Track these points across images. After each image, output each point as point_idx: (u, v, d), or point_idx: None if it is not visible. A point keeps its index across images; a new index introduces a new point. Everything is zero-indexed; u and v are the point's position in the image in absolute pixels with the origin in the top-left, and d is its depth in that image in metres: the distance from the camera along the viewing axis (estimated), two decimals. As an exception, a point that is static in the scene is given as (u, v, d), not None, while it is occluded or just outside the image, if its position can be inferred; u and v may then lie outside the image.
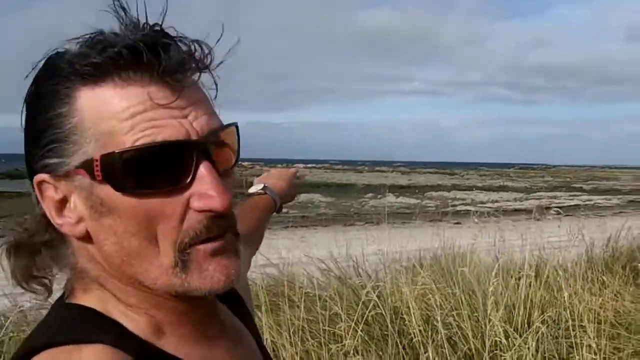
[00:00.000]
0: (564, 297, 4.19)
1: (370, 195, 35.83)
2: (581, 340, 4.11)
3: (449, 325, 4.22)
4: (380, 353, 3.94)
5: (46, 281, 0.85)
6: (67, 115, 0.76)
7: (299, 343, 3.70)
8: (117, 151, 0.73)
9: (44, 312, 0.86)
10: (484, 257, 6.52)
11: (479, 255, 6.59)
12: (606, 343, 4.20)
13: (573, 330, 4.20)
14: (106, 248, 0.78)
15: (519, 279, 4.98)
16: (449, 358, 3.84)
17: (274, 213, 1.56)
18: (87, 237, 0.79)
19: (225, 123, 0.82)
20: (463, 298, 4.49)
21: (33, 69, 0.80)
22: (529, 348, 3.76)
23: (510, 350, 3.85)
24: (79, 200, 0.78)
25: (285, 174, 1.66)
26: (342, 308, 4.17)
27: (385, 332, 4.06)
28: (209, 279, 0.78)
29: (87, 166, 0.75)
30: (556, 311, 4.35)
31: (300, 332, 3.91)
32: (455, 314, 4.26)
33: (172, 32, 0.78)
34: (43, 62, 0.80)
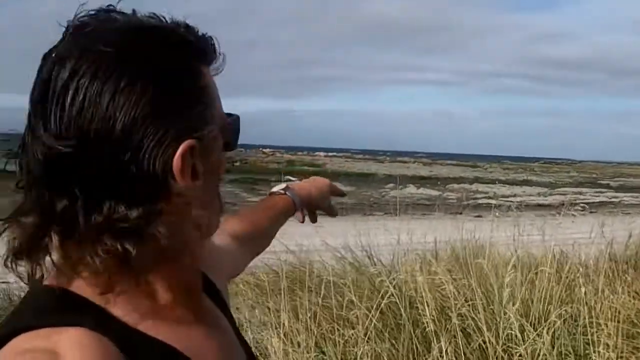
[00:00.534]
0: (583, 293, 4.13)
1: (390, 185, 35.74)
2: (598, 337, 4.05)
3: (464, 317, 4.19)
4: (394, 341, 3.92)
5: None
6: (205, 87, 0.86)
7: (314, 328, 3.70)
8: (233, 115, 0.94)
9: None
10: (502, 251, 6.46)
11: (497, 249, 6.53)
12: (624, 342, 4.14)
13: (591, 327, 4.14)
14: (204, 203, 0.86)
15: (537, 273, 4.92)
16: (462, 349, 3.81)
17: (292, 216, 1.56)
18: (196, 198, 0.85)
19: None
20: (479, 290, 4.46)
21: (135, 37, 0.81)
22: (543, 342, 3.72)
23: (525, 343, 3.81)
24: (200, 163, 0.83)
25: (322, 184, 1.63)
26: (356, 295, 4.16)
27: (399, 321, 4.05)
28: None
29: (223, 129, 0.89)
30: (574, 307, 4.29)
31: (315, 317, 3.91)
32: (470, 305, 4.22)
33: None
34: (159, 34, 0.83)
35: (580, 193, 38.05)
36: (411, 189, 39.27)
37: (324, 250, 5.76)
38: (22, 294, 0.90)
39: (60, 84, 0.76)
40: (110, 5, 0.83)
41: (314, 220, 1.61)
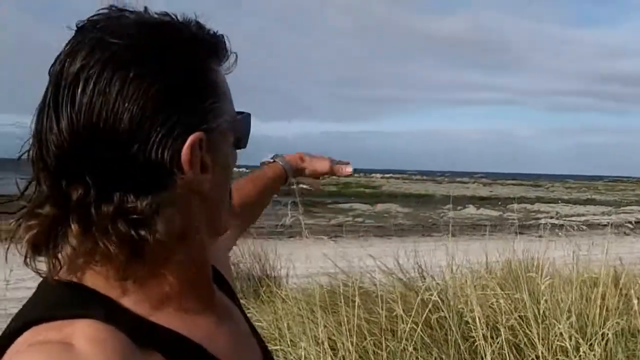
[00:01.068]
0: (636, 306, 4.00)
1: (449, 206, 35.37)
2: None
3: (516, 331, 4.10)
4: (443, 357, 3.87)
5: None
6: (216, 82, 0.88)
7: (357, 342, 3.68)
8: (244, 113, 0.95)
9: None
10: (560, 268, 6.30)
11: (556, 267, 6.38)
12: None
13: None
14: (213, 198, 0.88)
15: (594, 288, 4.79)
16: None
17: (285, 183, 1.57)
18: (204, 192, 0.87)
19: None
20: (533, 305, 4.36)
21: (147, 33, 0.84)
22: (595, 355, 3.61)
23: (577, 357, 3.70)
24: (209, 157, 0.85)
25: (317, 155, 1.62)
26: (404, 310, 4.12)
27: (448, 335, 3.99)
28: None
29: (233, 125, 0.91)
30: (629, 320, 4.15)
31: (360, 330, 3.89)
32: (522, 319, 4.13)
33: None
34: (172, 31, 0.85)
35: (648, 211, 36.76)
36: (470, 210, 38.72)
37: (375, 269, 5.73)
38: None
39: (72, 76, 0.79)
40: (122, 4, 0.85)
41: (316, 186, 1.64)
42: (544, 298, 4.45)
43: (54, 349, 0.71)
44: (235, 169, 0.98)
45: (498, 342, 3.74)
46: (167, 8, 0.88)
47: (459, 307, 4.20)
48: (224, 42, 0.91)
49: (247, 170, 1.56)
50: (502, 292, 4.35)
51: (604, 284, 4.74)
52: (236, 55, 0.93)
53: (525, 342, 4.06)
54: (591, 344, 3.76)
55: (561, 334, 3.85)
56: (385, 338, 3.79)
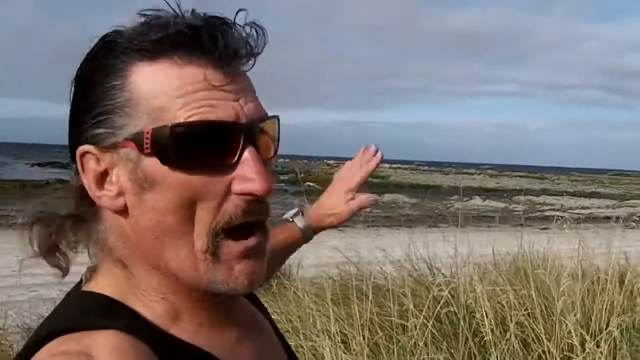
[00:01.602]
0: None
1: (455, 197, 35.32)
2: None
3: (522, 326, 4.18)
4: (452, 351, 3.94)
5: (69, 258, 0.87)
6: (120, 88, 0.78)
7: (368, 335, 3.76)
8: (169, 125, 0.75)
9: None
10: (566, 263, 6.36)
11: (560, 261, 6.44)
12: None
13: (654, 339, 4.07)
14: (142, 223, 0.79)
15: (600, 284, 4.85)
16: (520, 359, 3.81)
17: (304, 243, 1.45)
18: (123, 212, 0.80)
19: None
20: (540, 300, 4.43)
21: (90, 49, 0.82)
22: (601, 352, 3.68)
23: (583, 353, 3.78)
24: (122, 174, 0.79)
25: (340, 187, 1.46)
26: (414, 304, 4.20)
27: (457, 330, 4.06)
28: (233, 279, 0.79)
29: (136, 139, 0.77)
30: (635, 318, 4.22)
31: (371, 324, 3.97)
32: (529, 315, 4.21)
33: (227, 17, 0.80)
34: (100, 39, 0.81)
35: (653, 205, 36.70)
36: (477, 201, 38.68)
37: (384, 262, 5.80)
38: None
39: None
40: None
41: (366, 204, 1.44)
42: (549, 292, 4.52)
43: (74, 359, 0.71)
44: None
45: (507, 338, 3.81)
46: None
47: (468, 302, 4.27)
48: (153, 32, 0.78)
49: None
50: (511, 288, 4.42)
51: (609, 280, 4.80)
52: (205, 42, 0.78)
53: (532, 338, 4.13)
54: (597, 341, 3.82)
55: (569, 331, 3.91)
56: (396, 332, 3.86)
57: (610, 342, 3.79)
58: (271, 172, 0.82)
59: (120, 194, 0.79)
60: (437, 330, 4.08)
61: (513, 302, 4.13)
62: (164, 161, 0.76)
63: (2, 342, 5.06)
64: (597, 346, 3.78)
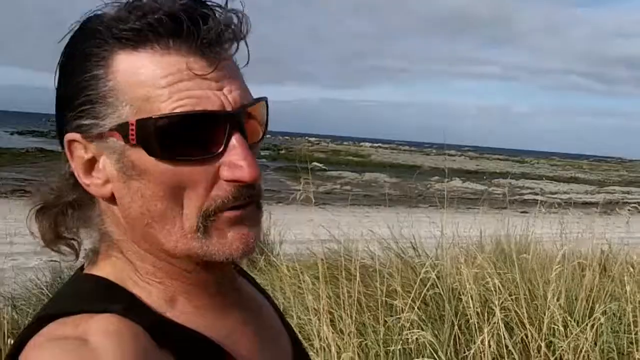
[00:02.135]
0: (627, 291, 4.11)
1: (436, 178, 35.48)
2: (643, 336, 4.03)
3: (507, 310, 4.21)
4: (436, 332, 3.97)
5: (74, 243, 0.87)
6: (103, 78, 0.78)
7: (356, 315, 3.77)
8: (154, 117, 0.76)
9: None
10: (548, 247, 6.41)
11: (542, 245, 6.49)
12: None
13: (635, 326, 4.12)
14: (131, 211, 0.80)
15: (583, 269, 4.90)
16: (504, 342, 3.84)
17: None
18: (113, 199, 0.82)
19: (255, 97, 0.84)
20: (523, 284, 4.46)
21: (69, 31, 0.82)
22: (586, 338, 3.73)
23: (568, 339, 3.82)
24: (109, 162, 0.80)
25: None
26: (400, 285, 4.22)
27: (442, 312, 4.09)
28: (227, 246, 0.80)
29: (121, 129, 0.77)
30: (619, 305, 4.27)
31: (359, 304, 3.98)
32: (513, 299, 4.24)
33: (209, 2, 0.80)
34: (79, 24, 0.81)
35: (629, 192, 37.17)
36: (456, 183, 38.92)
37: (369, 240, 5.82)
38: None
39: None
40: None
41: None
42: (533, 276, 4.56)
43: (70, 344, 0.72)
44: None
45: (493, 322, 3.84)
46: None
47: (454, 285, 4.29)
48: (139, 20, 0.77)
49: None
50: (495, 271, 4.45)
51: (591, 266, 4.85)
52: (182, 30, 0.78)
53: (516, 322, 4.17)
54: (582, 328, 3.86)
55: (552, 316, 3.95)
56: (382, 313, 3.88)
57: (596, 328, 3.83)
58: (256, 155, 0.84)
59: (107, 181, 0.81)
60: (422, 312, 4.10)
61: (498, 286, 4.15)
62: (150, 152, 0.77)
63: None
64: (582, 332, 3.82)
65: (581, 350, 3.71)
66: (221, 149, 0.78)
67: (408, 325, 3.64)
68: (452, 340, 3.91)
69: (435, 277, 4.15)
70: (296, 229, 7.74)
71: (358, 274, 4.00)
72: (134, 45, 0.77)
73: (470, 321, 3.93)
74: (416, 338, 3.39)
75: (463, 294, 4.15)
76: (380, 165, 52.76)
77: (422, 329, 3.74)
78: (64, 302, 0.80)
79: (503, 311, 4.20)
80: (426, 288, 4.02)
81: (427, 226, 6.53)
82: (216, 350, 0.83)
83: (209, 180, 0.78)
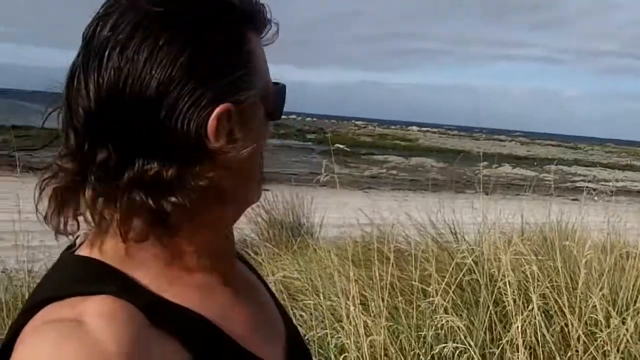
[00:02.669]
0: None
1: (484, 163, 34.99)
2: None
3: (547, 298, 4.10)
4: (472, 318, 3.89)
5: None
6: (249, 52, 0.85)
7: (388, 299, 3.72)
8: (279, 84, 0.91)
9: None
10: (595, 235, 6.23)
11: (590, 233, 6.32)
12: None
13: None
14: (243, 170, 0.86)
15: (629, 259, 4.74)
16: (539, 331, 3.74)
17: None
18: (232, 164, 0.84)
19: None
20: (566, 272, 4.34)
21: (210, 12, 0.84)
22: (627, 329, 3.60)
23: (608, 329, 3.69)
24: (239, 129, 0.84)
25: None
26: (437, 270, 4.15)
27: (478, 298, 4.01)
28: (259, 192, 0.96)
29: (265, 97, 0.88)
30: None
31: (392, 288, 3.93)
32: (553, 287, 4.13)
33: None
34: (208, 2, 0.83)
35: (690, 180, 36.03)
36: (506, 168, 38.38)
37: (408, 225, 5.75)
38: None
39: (101, 40, 0.79)
40: None
41: None
42: (576, 264, 4.43)
43: (66, 327, 0.72)
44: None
45: (529, 309, 3.74)
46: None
47: (492, 271, 4.20)
48: (264, 11, 0.88)
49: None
50: (536, 258, 4.33)
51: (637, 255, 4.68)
52: (277, 26, 0.91)
53: (556, 310, 4.06)
54: (624, 318, 3.74)
55: (594, 306, 3.83)
56: (416, 297, 3.82)
57: (637, 320, 3.70)
58: None
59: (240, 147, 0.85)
60: (458, 297, 4.03)
61: (537, 273, 4.04)
62: (271, 117, 0.91)
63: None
64: (623, 323, 3.69)
65: (621, 342, 3.59)
66: None
67: (442, 310, 3.57)
68: (487, 327, 3.82)
69: (472, 262, 4.07)
70: (338, 213, 7.70)
71: (392, 257, 3.94)
72: (257, 29, 0.89)
73: (507, 308, 3.84)
74: (448, 323, 3.32)
75: (501, 279, 4.06)
76: (428, 149, 52.36)
77: (456, 315, 3.67)
78: (58, 286, 0.80)
79: (542, 299, 4.10)
80: (462, 273, 3.94)
81: (471, 212, 6.42)
82: (212, 329, 0.84)
83: None
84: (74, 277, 0.81)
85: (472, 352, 3.15)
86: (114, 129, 0.78)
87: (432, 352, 3.28)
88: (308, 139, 50.84)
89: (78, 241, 0.87)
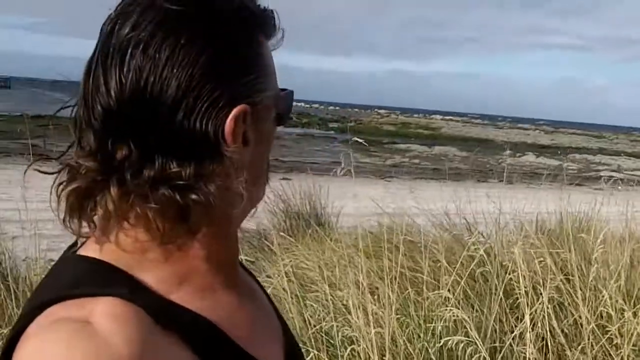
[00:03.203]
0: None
1: (508, 152, 34.68)
2: None
3: (559, 290, 4.07)
4: (483, 310, 3.88)
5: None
6: (262, 56, 0.88)
7: (398, 289, 3.72)
8: (288, 90, 0.94)
9: None
10: (614, 226, 6.15)
11: (609, 224, 6.24)
12: None
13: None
14: (253, 171, 0.88)
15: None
16: (547, 323, 3.72)
17: None
18: (244, 165, 0.85)
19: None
20: (582, 265, 4.31)
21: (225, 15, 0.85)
22: (638, 322, 3.56)
23: (619, 323, 3.66)
24: (252, 131, 0.85)
25: None
26: (449, 261, 4.14)
27: (490, 290, 3.99)
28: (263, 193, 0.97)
29: (276, 101, 0.90)
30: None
31: (402, 278, 3.92)
32: (567, 280, 4.10)
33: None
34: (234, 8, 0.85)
35: None
36: (529, 157, 38.03)
37: (421, 215, 5.73)
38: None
39: (122, 38, 0.79)
40: None
41: None
42: (594, 257, 4.38)
43: (74, 326, 0.72)
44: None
45: (540, 301, 3.72)
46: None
47: (504, 263, 4.18)
48: (273, 17, 0.90)
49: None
50: (551, 250, 4.30)
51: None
52: (283, 32, 0.92)
53: (569, 302, 4.03)
54: (635, 311, 3.70)
55: (610, 296, 3.80)
56: (427, 289, 3.81)
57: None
58: None
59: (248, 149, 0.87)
60: (470, 289, 4.02)
61: (550, 266, 4.01)
62: (279, 122, 0.93)
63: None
64: (634, 315, 3.66)
65: (632, 335, 3.56)
66: None
67: (451, 302, 3.56)
68: (497, 319, 3.81)
69: (484, 253, 4.05)
70: (357, 202, 7.68)
71: (402, 247, 3.94)
72: (267, 35, 0.90)
73: (519, 300, 3.82)
74: (456, 316, 3.32)
75: (514, 271, 4.03)
76: (451, 138, 52.02)
77: (466, 306, 3.66)
78: (63, 286, 0.79)
79: (556, 291, 4.07)
80: (474, 263, 3.92)
81: (489, 202, 6.38)
82: (218, 332, 0.85)
83: None
84: (80, 277, 0.80)
85: (480, 346, 3.14)
86: (135, 127, 0.78)
87: (439, 344, 3.27)
88: (330, 128, 50.84)
89: (79, 241, 0.86)
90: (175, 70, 0.78)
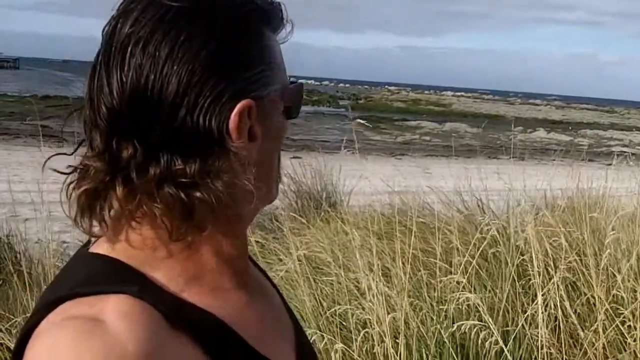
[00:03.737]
0: None
1: (519, 128, 34.49)
2: None
3: (573, 270, 4.06)
4: (496, 291, 3.87)
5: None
6: (268, 49, 0.87)
7: (410, 271, 3.72)
8: (298, 82, 0.93)
9: None
10: (625, 203, 6.10)
11: (621, 200, 6.20)
12: None
13: None
14: (262, 167, 0.86)
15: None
16: (559, 304, 3.71)
17: None
18: (252, 161, 0.84)
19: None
20: (595, 246, 4.28)
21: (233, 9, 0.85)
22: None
23: (633, 304, 3.65)
24: (258, 126, 0.84)
25: None
26: (461, 243, 4.12)
27: (502, 270, 3.98)
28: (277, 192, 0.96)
29: (284, 94, 0.89)
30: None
31: (415, 261, 3.92)
32: (580, 260, 4.08)
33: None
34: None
35: None
36: (540, 133, 37.83)
37: (430, 193, 5.71)
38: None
39: (123, 37, 0.79)
40: None
41: None
42: (607, 242, 4.35)
43: (85, 324, 0.72)
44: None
45: (553, 282, 3.71)
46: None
47: (517, 243, 4.16)
48: (280, 9, 0.89)
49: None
50: (563, 230, 4.27)
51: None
52: (292, 24, 0.91)
53: (583, 283, 4.02)
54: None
55: (623, 278, 3.78)
56: (440, 271, 3.81)
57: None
58: None
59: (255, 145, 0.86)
60: (482, 270, 4.01)
61: (564, 245, 3.99)
62: (288, 115, 0.91)
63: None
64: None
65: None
66: None
67: (463, 283, 3.56)
68: (511, 300, 3.81)
69: (497, 233, 4.04)
70: (367, 181, 7.67)
71: (414, 229, 3.92)
72: (274, 29, 0.89)
73: (532, 281, 3.80)
74: (467, 300, 3.31)
75: (527, 251, 4.02)
76: (462, 114, 51.80)
77: (483, 286, 3.66)
78: (75, 284, 0.79)
79: (570, 271, 4.05)
80: (485, 243, 3.91)
81: (500, 179, 6.35)
82: (228, 331, 0.84)
83: None
84: (92, 275, 0.81)
85: (493, 329, 3.14)
86: (138, 126, 0.78)
87: (452, 328, 3.27)
88: (341, 106, 50.69)
89: (92, 239, 0.86)
90: (175, 67, 0.78)
